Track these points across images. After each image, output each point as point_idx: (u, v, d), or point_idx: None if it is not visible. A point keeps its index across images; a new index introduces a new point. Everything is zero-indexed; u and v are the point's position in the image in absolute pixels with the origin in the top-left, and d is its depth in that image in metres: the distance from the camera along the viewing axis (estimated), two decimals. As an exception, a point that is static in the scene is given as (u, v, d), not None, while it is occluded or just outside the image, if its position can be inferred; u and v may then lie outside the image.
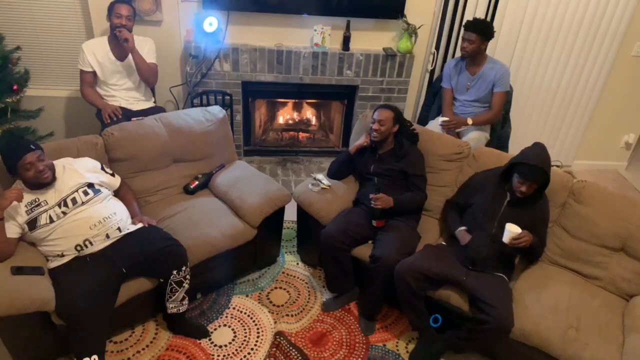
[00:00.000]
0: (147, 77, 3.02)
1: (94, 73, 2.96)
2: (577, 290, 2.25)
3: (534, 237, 2.19)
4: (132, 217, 2.32)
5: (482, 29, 3.01)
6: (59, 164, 2.21)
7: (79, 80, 2.98)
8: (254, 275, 2.77)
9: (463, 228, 2.39)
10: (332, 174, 2.80)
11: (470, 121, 3.14)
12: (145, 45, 3.00)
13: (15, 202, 2.00)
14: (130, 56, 2.90)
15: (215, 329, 2.40)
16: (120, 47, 2.89)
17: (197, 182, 2.72)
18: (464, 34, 3.05)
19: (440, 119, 3.18)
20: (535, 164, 2.15)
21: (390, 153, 2.60)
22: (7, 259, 1.98)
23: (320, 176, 2.74)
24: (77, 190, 2.16)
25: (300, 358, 2.29)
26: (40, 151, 2.09)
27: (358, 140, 2.69)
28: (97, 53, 2.92)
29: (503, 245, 2.19)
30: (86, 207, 2.14)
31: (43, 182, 2.08)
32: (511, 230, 2.13)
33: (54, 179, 2.13)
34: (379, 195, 2.42)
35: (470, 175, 2.56)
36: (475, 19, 3.13)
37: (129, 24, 2.87)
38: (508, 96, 3.27)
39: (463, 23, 3.44)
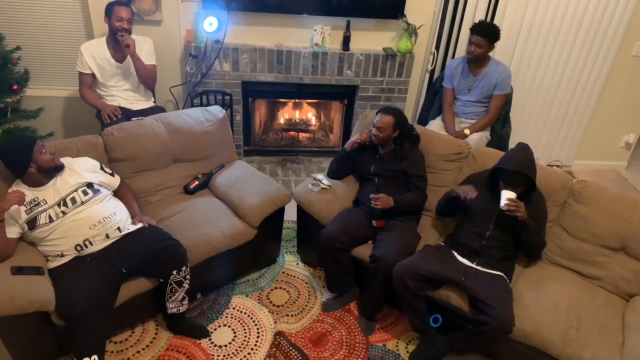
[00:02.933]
0: (147, 80, 3.03)
1: (93, 75, 2.96)
2: (577, 290, 2.24)
3: (530, 221, 2.18)
4: (132, 217, 2.31)
5: (492, 33, 3.01)
6: (58, 163, 2.22)
7: (78, 82, 2.98)
8: (254, 275, 2.77)
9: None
10: (331, 174, 2.80)
11: (467, 132, 3.16)
12: (144, 45, 3.00)
13: (15, 206, 2.00)
14: (129, 57, 2.90)
15: (215, 329, 2.40)
16: (119, 49, 2.89)
17: (197, 182, 2.72)
18: (472, 38, 3.03)
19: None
20: (514, 170, 2.16)
21: (391, 154, 2.60)
22: (7, 259, 1.98)
23: (320, 176, 2.74)
24: (76, 190, 2.15)
25: (300, 358, 2.29)
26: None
27: (354, 136, 2.68)
28: (95, 55, 2.92)
29: (501, 234, 2.21)
30: (86, 207, 2.14)
31: (57, 165, 2.13)
32: (507, 192, 2.15)
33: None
34: (379, 195, 2.41)
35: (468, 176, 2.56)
36: (483, 23, 3.12)
37: (130, 27, 2.87)
38: (508, 96, 3.27)
39: (464, 24, 3.44)
